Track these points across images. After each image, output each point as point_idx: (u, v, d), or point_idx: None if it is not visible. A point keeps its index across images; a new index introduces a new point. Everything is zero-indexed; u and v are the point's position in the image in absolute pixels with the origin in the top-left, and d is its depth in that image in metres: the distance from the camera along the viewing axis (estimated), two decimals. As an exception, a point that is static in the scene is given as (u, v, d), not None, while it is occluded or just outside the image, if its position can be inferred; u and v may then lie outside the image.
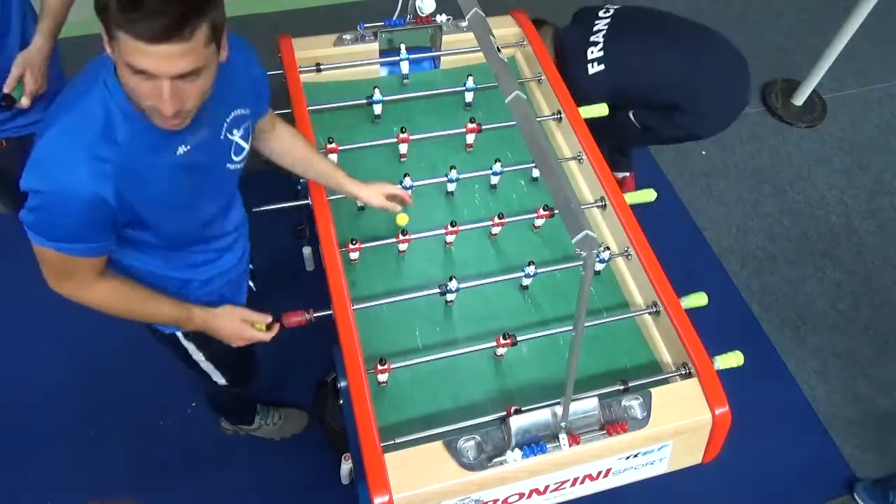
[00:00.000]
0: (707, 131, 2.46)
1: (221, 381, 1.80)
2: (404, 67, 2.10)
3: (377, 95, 1.99)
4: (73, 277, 1.29)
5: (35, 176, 1.16)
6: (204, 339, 1.63)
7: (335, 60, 2.07)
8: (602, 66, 2.33)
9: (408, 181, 1.82)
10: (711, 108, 2.36)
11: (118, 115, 1.16)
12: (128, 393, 2.36)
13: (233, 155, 1.37)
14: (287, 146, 1.62)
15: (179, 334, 1.62)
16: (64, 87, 1.25)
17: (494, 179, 1.93)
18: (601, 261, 1.79)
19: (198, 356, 1.70)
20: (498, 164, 1.89)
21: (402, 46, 2.09)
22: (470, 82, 2.05)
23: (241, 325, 1.55)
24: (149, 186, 1.22)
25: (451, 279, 1.66)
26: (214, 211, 1.44)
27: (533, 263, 1.71)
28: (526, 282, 1.75)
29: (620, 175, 2.99)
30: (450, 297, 1.69)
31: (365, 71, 2.13)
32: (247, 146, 1.40)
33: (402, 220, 1.75)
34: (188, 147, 1.25)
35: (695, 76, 2.33)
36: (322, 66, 2.05)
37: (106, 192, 1.16)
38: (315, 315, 1.62)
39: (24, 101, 1.70)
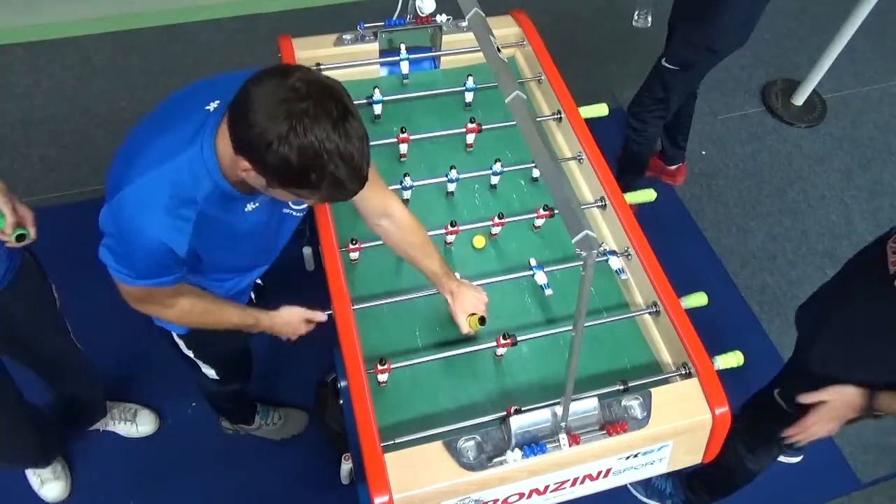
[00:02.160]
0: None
1: (212, 373, 1.81)
2: (404, 67, 2.10)
3: (377, 95, 1.99)
4: (154, 300, 1.39)
5: (115, 219, 1.24)
6: (196, 342, 1.68)
7: (335, 60, 2.07)
8: None
9: (408, 181, 1.82)
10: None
11: (204, 177, 1.21)
12: (128, 393, 2.36)
13: (292, 204, 1.43)
14: (402, 237, 1.58)
15: (174, 334, 1.65)
16: (164, 113, 1.28)
17: (494, 179, 1.93)
18: (606, 257, 1.78)
19: (188, 352, 1.72)
20: (498, 164, 1.89)
21: (403, 46, 2.09)
22: (470, 82, 2.05)
23: (302, 324, 1.62)
24: (215, 237, 1.29)
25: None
26: (268, 252, 1.53)
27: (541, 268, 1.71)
28: (541, 279, 1.74)
29: (675, 166, 3.03)
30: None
31: (365, 71, 2.13)
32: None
33: (474, 323, 1.57)
34: (257, 204, 1.32)
35: None
36: (322, 66, 2.05)
37: (179, 247, 1.24)
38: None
39: (33, 233, 1.53)
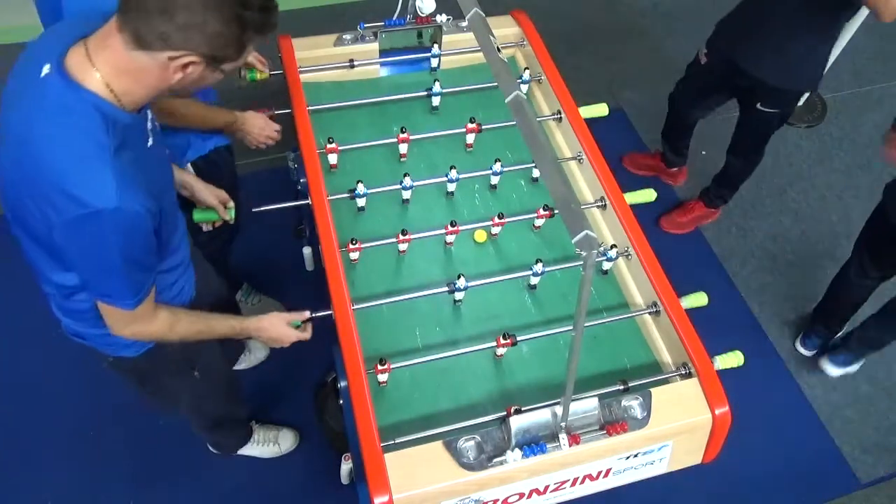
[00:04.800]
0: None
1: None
2: (434, 62, 2.14)
3: (437, 88, 2.03)
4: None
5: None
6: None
7: (335, 60, 2.08)
8: None
9: (408, 181, 1.82)
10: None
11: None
12: (128, 392, 2.36)
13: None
14: None
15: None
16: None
17: (494, 179, 1.93)
18: (608, 259, 1.78)
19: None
20: (498, 164, 1.89)
21: (435, 46, 2.11)
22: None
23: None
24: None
25: (459, 277, 1.66)
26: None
27: (541, 261, 1.71)
28: (534, 281, 1.75)
29: (676, 167, 3.05)
30: (458, 295, 1.69)
31: (365, 71, 2.13)
32: None
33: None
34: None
35: None
36: (322, 66, 2.06)
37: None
38: (317, 315, 1.62)
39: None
